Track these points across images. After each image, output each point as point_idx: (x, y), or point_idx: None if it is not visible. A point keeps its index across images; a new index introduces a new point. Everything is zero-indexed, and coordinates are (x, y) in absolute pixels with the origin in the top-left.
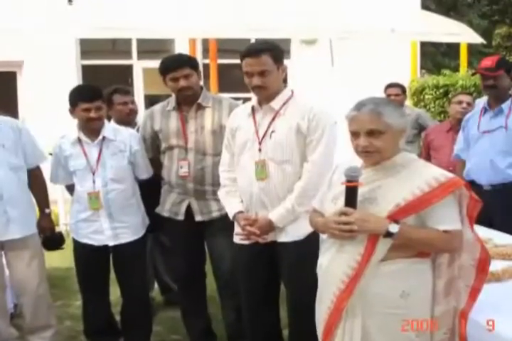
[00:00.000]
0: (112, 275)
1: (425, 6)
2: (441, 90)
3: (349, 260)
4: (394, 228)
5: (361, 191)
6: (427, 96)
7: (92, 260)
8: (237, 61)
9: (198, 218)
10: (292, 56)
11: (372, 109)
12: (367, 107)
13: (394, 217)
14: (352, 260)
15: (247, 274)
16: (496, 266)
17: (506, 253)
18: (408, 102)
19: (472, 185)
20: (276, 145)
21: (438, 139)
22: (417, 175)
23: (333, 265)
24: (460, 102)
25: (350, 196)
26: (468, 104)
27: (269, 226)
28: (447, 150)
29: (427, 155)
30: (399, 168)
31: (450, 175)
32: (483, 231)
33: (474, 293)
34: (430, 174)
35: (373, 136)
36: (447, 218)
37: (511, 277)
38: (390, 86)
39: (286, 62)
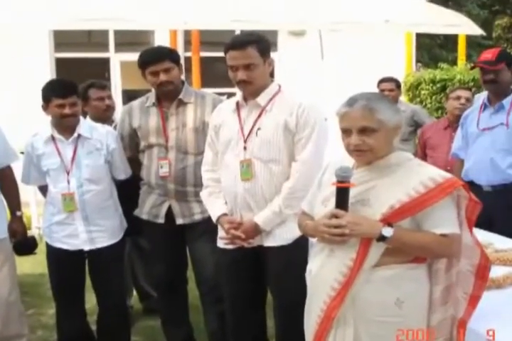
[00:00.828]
0: (88, 281)
1: None
2: (438, 85)
3: (340, 266)
4: (388, 231)
5: (353, 192)
6: (423, 92)
7: (66, 265)
8: (221, 54)
9: (179, 221)
10: (279, 49)
11: (365, 105)
12: (359, 103)
13: (388, 220)
14: (343, 265)
15: (230, 281)
16: (496, 272)
17: (507, 258)
18: (403, 98)
19: (471, 185)
20: (263, 144)
21: (435, 137)
22: (412, 176)
23: (323, 271)
24: (458, 98)
25: (342, 197)
26: (467, 99)
27: (255, 230)
28: (444, 148)
29: (422, 154)
30: (393, 168)
31: (448, 175)
32: (482, 235)
33: (473, 300)
34: (426, 174)
35: (366, 133)
36: (444, 221)
37: None
38: (383, 80)
39: (273, 55)
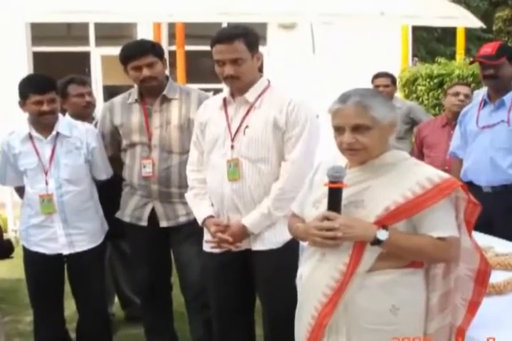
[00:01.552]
0: (67, 287)
1: None
2: (435, 80)
3: (332, 270)
4: (383, 235)
5: (346, 193)
6: (419, 87)
7: (44, 270)
8: (207, 48)
9: (163, 223)
10: (269, 42)
11: (358, 102)
12: (352, 99)
13: (382, 223)
14: (336, 270)
15: (217, 286)
16: (497, 277)
17: (509, 263)
18: (398, 94)
19: (470, 186)
20: (251, 142)
21: (432, 135)
22: (408, 176)
23: (314, 276)
24: (457, 94)
25: (334, 199)
26: (466, 95)
27: (243, 233)
28: (442, 147)
29: (419, 153)
30: (388, 168)
31: (446, 175)
32: (482, 239)
33: (473, 307)
34: (423, 174)
35: (359, 131)
36: (442, 224)
37: None
38: (378, 76)
39: (261, 49)
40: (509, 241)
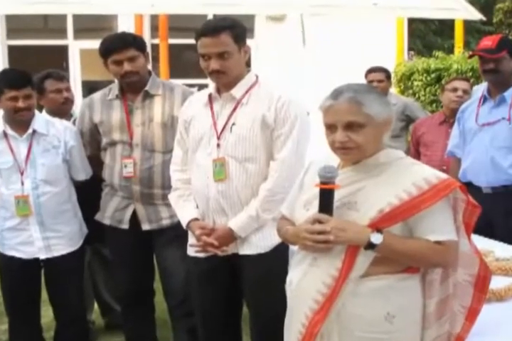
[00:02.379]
0: (44, 294)
1: None
2: (432, 75)
3: (324, 276)
4: (377, 238)
5: (338, 194)
6: (415, 83)
7: (20, 276)
8: (192, 41)
9: (146, 227)
10: (256, 35)
11: (352, 98)
12: (345, 95)
13: (377, 225)
14: (327, 276)
15: (202, 293)
16: (497, 282)
17: (510, 268)
18: (393, 90)
19: (469, 187)
20: (238, 141)
21: (429, 133)
22: (403, 176)
23: (305, 282)
24: (455, 90)
25: (325, 200)
26: (465, 91)
27: (230, 236)
28: (440, 146)
29: (415, 152)
30: (382, 168)
31: (443, 175)
32: (482, 242)
33: (472, 315)
34: (420, 174)
35: (352, 129)
36: (439, 227)
37: None
38: (372, 70)
39: (249, 42)
40: (510, 245)
